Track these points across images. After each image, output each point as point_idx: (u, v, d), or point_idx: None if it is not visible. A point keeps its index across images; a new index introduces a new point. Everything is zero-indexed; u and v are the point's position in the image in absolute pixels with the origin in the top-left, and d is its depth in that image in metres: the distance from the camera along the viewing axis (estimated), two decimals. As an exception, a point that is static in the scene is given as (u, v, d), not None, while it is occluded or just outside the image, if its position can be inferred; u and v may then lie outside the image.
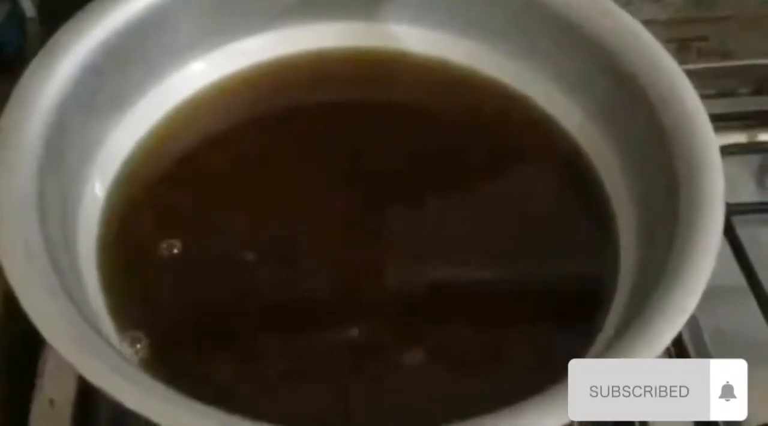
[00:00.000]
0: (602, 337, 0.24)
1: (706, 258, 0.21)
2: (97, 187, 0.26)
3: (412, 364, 0.24)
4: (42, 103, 0.24)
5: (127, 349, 0.23)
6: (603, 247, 0.26)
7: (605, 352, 0.21)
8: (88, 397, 0.27)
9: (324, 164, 0.29)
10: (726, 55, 0.39)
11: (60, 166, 0.24)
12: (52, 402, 0.27)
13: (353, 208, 0.28)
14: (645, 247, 0.25)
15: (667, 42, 0.27)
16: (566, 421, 0.19)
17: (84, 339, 0.20)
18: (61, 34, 0.25)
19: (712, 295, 0.21)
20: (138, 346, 0.24)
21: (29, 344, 0.28)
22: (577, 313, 0.25)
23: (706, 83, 0.28)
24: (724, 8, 0.40)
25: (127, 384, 0.19)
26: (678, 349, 0.29)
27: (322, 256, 0.27)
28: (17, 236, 0.21)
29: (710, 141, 0.24)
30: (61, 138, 0.24)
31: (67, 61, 0.25)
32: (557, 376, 0.22)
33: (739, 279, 0.31)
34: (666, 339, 0.20)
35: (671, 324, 0.20)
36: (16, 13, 0.36)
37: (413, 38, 0.31)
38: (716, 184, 0.23)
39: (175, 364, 0.24)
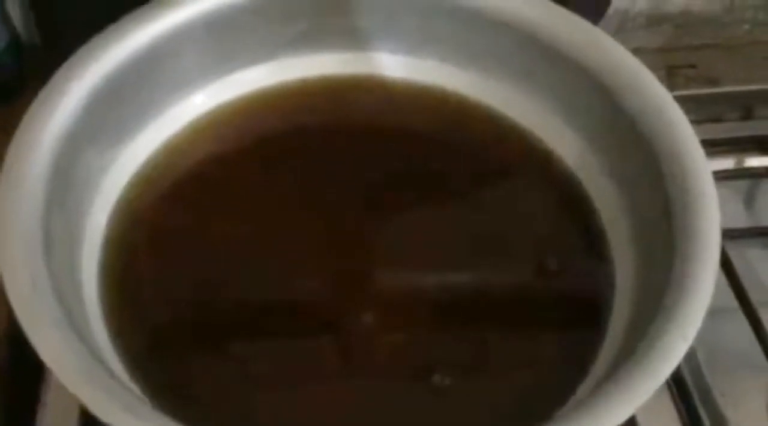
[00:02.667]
0: (600, 365, 0.24)
1: (704, 286, 0.22)
2: (99, 215, 0.27)
3: (412, 376, 0.25)
4: (47, 138, 0.24)
5: (130, 381, 0.24)
6: (598, 275, 0.27)
7: (607, 382, 0.21)
8: (89, 428, 0.27)
9: (318, 186, 0.29)
10: (713, 82, 0.40)
11: (65, 198, 0.24)
12: (53, 433, 0.27)
13: (351, 227, 0.28)
14: (642, 276, 0.25)
15: (656, 69, 0.28)
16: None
17: (92, 375, 0.20)
18: (66, 69, 0.26)
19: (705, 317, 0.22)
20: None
21: (31, 375, 0.28)
22: (572, 341, 0.26)
23: (694, 109, 0.29)
24: (712, 37, 0.41)
25: (137, 421, 0.19)
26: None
27: (329, 277, 0.27)
28: (23, 271, 0.21)
29: (703, 170, 0.25)
30: (67, 171, 0.24)
31: (71, 96, 0.25)
32: (553, 404, 0.22)
33: (730, 301, 0.32)
34: (668, 367, 0.20)
35: (672, 352, 0.21)
36: (17, 41, 0.36)
37: (412, 68, 0.31)
38: (711, 214, 0.23)
39: (177, 392, 0.24)
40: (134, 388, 0.23)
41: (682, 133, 0.26)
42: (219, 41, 0.29)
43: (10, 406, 0.28)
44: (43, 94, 0.25)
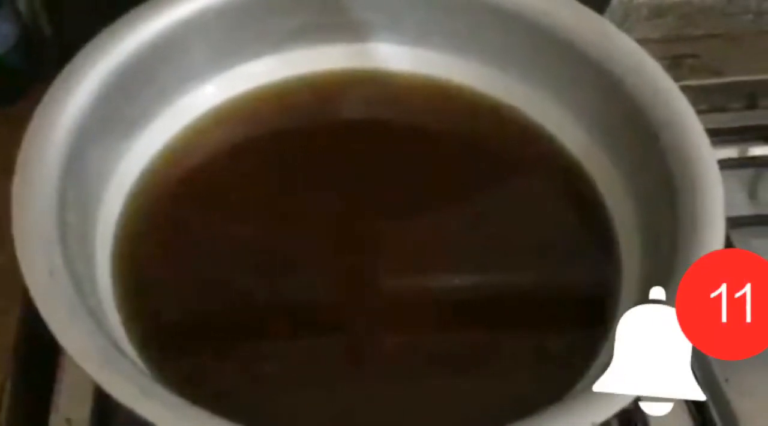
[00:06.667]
0: (608, 350, 0.24)
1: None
2: (111, 206, 0.27)
3: (420, 372, 0.25)
4: (60, 131, 0.25)
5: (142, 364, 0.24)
6: (605, 262, 0.27)
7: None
8: (104, 415, 0.27)
9: (326, 181, 0.29)
10: (717, 72, 0.40)
11: (78, 189, 0.25)
12: (69, 421, 0.27)
13: (359, 224, 0.29)
14: (648, 264, 0.25)
15: (660, 59, 0.28)
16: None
17: (108, 358, 0.21)
18: (75, 63, 0.26)
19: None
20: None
21: (46, 365, 0.28)
22: (581, 328, 0.26)
23: (699, 99, 0.29)
24: (715, 27, 0.41)
25: (155, 404, 0.20)
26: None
27: (330, 270, 0.27)
28: (41, 260, 0.22)
29: (709, 160, 0.25)
30: (79, 163, 0.25)
31: (82, 89, 0.26)
32: (560, 390, 0.23)
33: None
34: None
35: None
36: (26, 38, 0.36)
37: (418, 60, 0.31)
38: (716, 202, 0.24)
39: (185, 375, 0.24)
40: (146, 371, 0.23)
41: (688, 123, 0.26)
42: (225, 33, 0.29)
43: (26, 388, 0.28)
44: (53, 88, 0.25)
